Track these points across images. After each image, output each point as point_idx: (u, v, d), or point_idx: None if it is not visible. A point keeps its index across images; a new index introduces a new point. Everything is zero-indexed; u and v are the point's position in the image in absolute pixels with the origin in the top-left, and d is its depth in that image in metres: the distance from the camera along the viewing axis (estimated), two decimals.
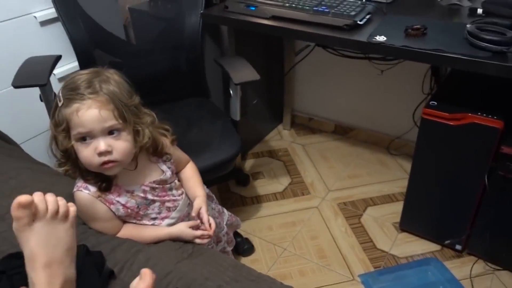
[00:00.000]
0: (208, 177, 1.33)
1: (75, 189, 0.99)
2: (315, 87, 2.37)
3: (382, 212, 1.87)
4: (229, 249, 1.39)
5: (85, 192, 0.97)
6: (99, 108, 0.87)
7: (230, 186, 2.06)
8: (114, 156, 0.90)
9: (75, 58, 1.61)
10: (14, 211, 0.67)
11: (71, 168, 0.94)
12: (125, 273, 0.93)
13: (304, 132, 2.46)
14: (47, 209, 0.70)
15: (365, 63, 2.02)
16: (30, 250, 0.67)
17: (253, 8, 1.61)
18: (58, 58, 1.44)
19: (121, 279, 0.91)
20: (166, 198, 1.07)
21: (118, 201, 1.00)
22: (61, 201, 0.72)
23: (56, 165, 0.95)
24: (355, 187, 2.03)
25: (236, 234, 1.67)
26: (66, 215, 0.72)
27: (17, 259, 0.95)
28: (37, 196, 0.69)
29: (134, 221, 1.06)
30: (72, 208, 0.74)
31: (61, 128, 0.88)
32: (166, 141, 1.06)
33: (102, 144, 0.88)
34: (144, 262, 0.95)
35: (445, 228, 1.62)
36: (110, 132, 0.89)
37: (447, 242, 1.64)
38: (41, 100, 1.39)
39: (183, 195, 1.12)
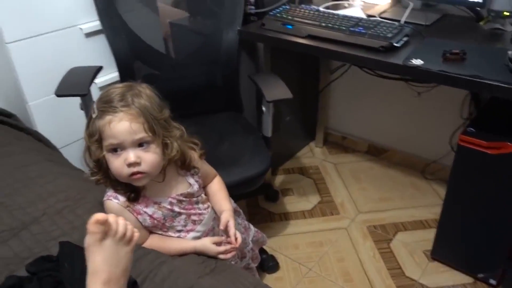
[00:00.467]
0: (236, 192, 1.34)
1: (105, 198, 1.03)
2: (350, 106, 2.35)
3: (413, 238, 1.82)
4: (254, 265, 1.39)
5: (115, 201, 1.01)
6: (130, 120, 0.90)
7: (259, 201, 2.06)
8: (143, 167, 0.93)
9: (116, 68, 1.67)
10: (91, 226, 0.71)
11: (102, 177, 0.98)
12: (147, 284, 0.94)
13: (336, 150, 2.44)
14: (117, 230, 0.73)
15: (402, 84, 1.98)
16: (95, 264, 0.71)
17: (290, 27, 1.62)
18: (99, 69, 1.50)
19: (145, 287, 0.93)
20: (192, 211, 1.09)
21: (145, 212, 1.02)
22: (129, 226, 0.76)
23: (89, 174, 0.98)
24: (386, 210, 1.99)
25: (262, 251, 1.67)
26: (130, 239, 0.76)
27: (48, 262, 0.99)
28: (112, 217, 0.74)
29: (160, 232, 1.08)
30: (136, 234, 0.78)
31: (94, 139, 0.92)
32: (194, 155, 1.08)
33: (131, 155, 0.91)
34: (167, 274, 0.96)
35: (480, 261, 1.55)
36: (139, 144, 0.92)
37: (480, 275, 1.56)
38: (81, 109, 1.45)
39: (209, 209, 1.13)
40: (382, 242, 1.81)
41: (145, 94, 0.95)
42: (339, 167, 2.30)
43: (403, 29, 1.49)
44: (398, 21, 1.62)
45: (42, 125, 1.69)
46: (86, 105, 1.42)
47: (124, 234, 0.75)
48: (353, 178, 2.21)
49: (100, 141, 0.92)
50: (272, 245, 1.80)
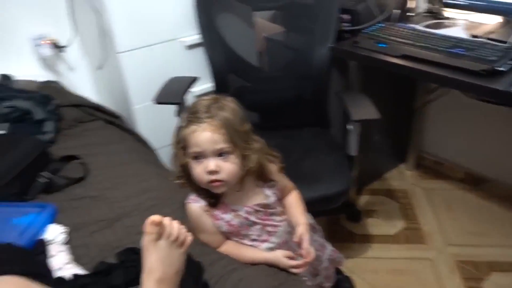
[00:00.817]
0: (314, 209, 1.34)
1: (187, 201, 1.09)
2: (447, 129, 2.20)
3: (510, 282, 1.64)
4: (328, 285, 1.36)
5: (195, 205, 1.07)
6: (213, 131, 0.96)
7: (340, 219, 2.02)
8: (221, 176, 0.98)
9: (211, 79, 1.77)
10: (147, 227, 0.77)
11: (186, 182, 1.05)
12: (218, 286, 0.99)
13: (428, 175, 2.30)
14: (171, 233, 0.78)
15: (507, 110, 1.81)
16: (150, 263, 0.75)
17: (384, 45, 1.58)
18: (194, 79, 1.61)
19: None
20: (268, 222, 1.11)
21: (222, 218, 1.07)
22: (183, 229, 0.81)
23: (175, 178, 1.06)
24: (480, 246, 1.82)
25: (338, 271, 1.63)
26: (183, 242, 0.80)
27: (134, 254, 1.07)
28: (166, 220, 0.79)
29: (236, 239, 1.12)
30: (189, 238, 0.82)
31: (180, 146, 1.00)
32: (273, 168, 1.11)
33: (211, 164, 0.97)
34: (237, 282, 1.00)
35: None
36: (220, 154, 0.98)
37: None
38: (176, 115, 1.56)
39: (285, 222, 1.15)
40: (473, 280, 1.66)
41: (229, 107, 1.00)
42: (430, 194, 2.16)
43: (509, 52, 1.37)
44: (505, 42, 1.49)
45: (143, 127, 1.85)
46: (180, 112, 1.52)
47: (177, 237, 0.78)
48: (445, 206, 2.06)
49: (185, 148, 0.99)
50: (350, 267, 1.75)
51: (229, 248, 1.10)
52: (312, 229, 1.28)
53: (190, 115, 0.99)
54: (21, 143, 1.43)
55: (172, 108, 1.56)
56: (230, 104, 1.01)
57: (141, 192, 1.35)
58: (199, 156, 0.98)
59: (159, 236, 0.77)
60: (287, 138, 1.72)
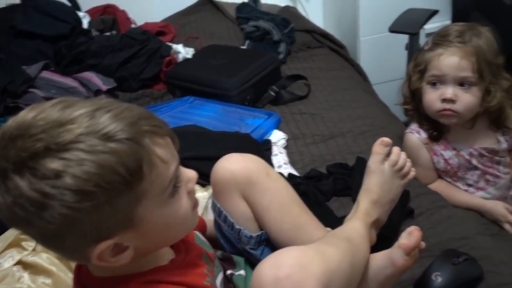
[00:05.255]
0: None
1: (407, 130, 1.09)
2: None
3: None
4: None
5: (416, 135, 1.05)
6: (461, 57, 0.91)
7: None
8: (456, 107, 0.94)
9: (449, 16, 1.63)
10: (376, 146, 0.79)
11: (412, 109, 1.03)
12: (422, 219, 0.98)
13: None
14: (397, 161, 0.79)
15: None
16: (370, 184, 0.78)
17: None
18: (434, 12, 1.50)
19: (417, 221, 0.97)
20: (490, 170, 1.03)
21: (441, 154, 1.03)
22: (409, 162, 0.80)
23: (401, 102, 1.05)
24: None
25: None
26: (406, 175, 0.80)
27: (344, 169, 1.15)
28: (396, 148, 0.80)
29: (449, 180, 1.07)
30: (413, 172, 0.81)
31: (418, 69, 0.98)
32: None
33: (450, 91, 0.93)
34: (445, 218, 0.97)
35: None
36: (461, 83, 0.92)
37: None
38: (406, 49, 1.50)
39: (508, 176, 1.04)
40: None
41: (485, 36, 0.94)
42: None
43: None
44: None
45: (365, 60, 1.86)
46: (411, 45, 1.47)
47: (402, 168, 0.78)
48: None
49: (423, 72, 0.97)
50: None
51: (441, 186, 1.07)
52: None
53: (439, 38, 0.96)
54: (261, 57, 1.61)
55: (400, 45, 1.51)
56: (486, 33, 0.95)
57: (356, 117, 1.39)
58: (437, 82, 0.95)
59: (385, 158, 0.78)
60: None
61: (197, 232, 0.72)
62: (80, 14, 1.86)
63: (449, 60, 0.92)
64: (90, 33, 1.74)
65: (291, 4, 2.11)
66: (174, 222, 0.54)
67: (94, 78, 1.49)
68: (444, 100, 0.94)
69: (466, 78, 0.92)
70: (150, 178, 0.47)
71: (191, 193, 0.57)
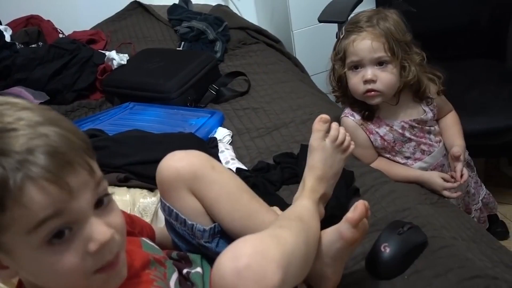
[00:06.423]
0: (475, 143, 1.26)
1: (342, 115, 1.13)
2: None
3: None
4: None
5: (351, 118, 1.10)
6: (372, 39, 0.97)
7: (500, 164, 1.85)
8: (378, 86, 1.00)
9: (373, 2, 1.71)
10: (316, 124, 0.81)
11: (341, 95, 1.08)
12: (367, 196, 1.02)
13: None
14: (337, 136, 0.81)
15: None
16: (314, 161, 0.81)
17: None
18: (359, 0, 1.57)
19: (363, 198, 1.00)
20: (423, 140, 1.10)
21: (377, 132, 1.09)
22: (348, 137, 0.83)
23: (330, 91, 1.10)
24: None
25: (492, 218, 1.53)
26: (346, 149, 0.83)
27: (290, 158, 1.18)
28: (334, 124, 0.82)
29: (388, 156, 1.13)
30: (352, 146, 0.84)
31: (339, 57, 1.04)
32: (431, 87, 1.07)
33: (369, 72, 0.99)
34: (387, 193, 1.02)
35: None
36: (378, 63, 0.99)
37: None
38: (336, 37, 1.56)
39: (441, 144, 1.12)
40: None
41: (392, 18, 1.00)
42: None
43: None
44: None
45: (300, 53, 1.91)
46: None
47: (342, 142, 0.81)
48: None
49: (343, 59, 1.03)
50: (505, 212, 1.62)
51: (381, 163, 1.12)
52: (467, 165, 1.22)
53: (350, 25, 1.02)
54: (198, 57, 1.61)
55: (332, 34, 1.56)
56: (393, 16, 1.01)
57: (297, 107, 1.43)
58: (357, 66, 1.01)
59: (325, 135, 0.81)
60: (450, 69, 1.59)
61: (144, 239, 0.71)
62: (1, 27, 1.76)
63: (363, 44, 0.98)
64: (14, 46, 1.65)
65: (222, 3, 2.13)
66: (53, 274, 0.49)
67: (23, 92, 1.43)
68: (366, 81, 1.00)
69: (380, 57, 0.98)
70: (12, 215, 0.45)
71: (96, 254, 0.49)
